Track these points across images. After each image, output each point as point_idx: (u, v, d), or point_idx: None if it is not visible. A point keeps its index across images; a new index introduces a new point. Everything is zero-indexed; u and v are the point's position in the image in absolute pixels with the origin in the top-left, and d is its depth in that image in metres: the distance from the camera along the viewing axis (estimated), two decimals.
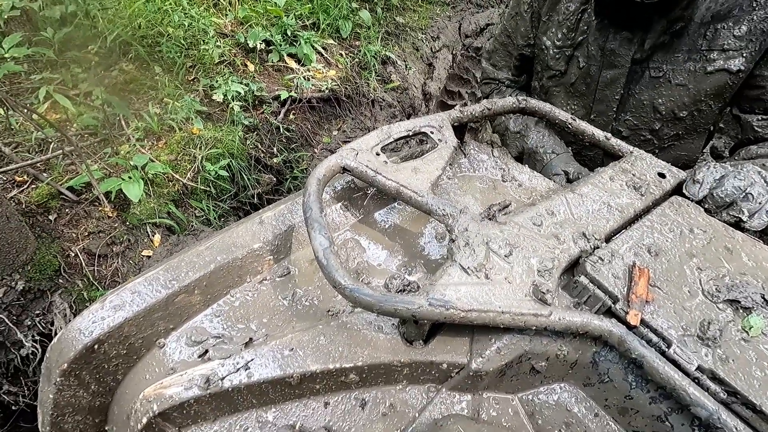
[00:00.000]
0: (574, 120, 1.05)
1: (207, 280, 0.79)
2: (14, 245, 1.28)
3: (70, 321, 1.40)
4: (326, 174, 0.82)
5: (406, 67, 3.98)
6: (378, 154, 0.87)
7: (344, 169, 0.85)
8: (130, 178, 1.57)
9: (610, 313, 0.73)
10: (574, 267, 0.79)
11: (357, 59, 3.41)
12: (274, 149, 2.40)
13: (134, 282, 0.76)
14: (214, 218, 1.83)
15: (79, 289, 1.42)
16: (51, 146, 1.59)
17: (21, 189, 1.54)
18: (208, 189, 1.84)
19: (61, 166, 1.60)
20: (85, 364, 0.72)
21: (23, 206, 1.45)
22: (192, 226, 1.72)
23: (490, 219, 0.79)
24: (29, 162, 1.53)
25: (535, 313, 0.68)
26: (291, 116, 2.65)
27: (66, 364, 0.71)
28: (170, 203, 1.71)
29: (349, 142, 3.04)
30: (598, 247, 0.79)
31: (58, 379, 0.72)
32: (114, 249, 1.52)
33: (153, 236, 1.62)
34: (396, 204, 0.96)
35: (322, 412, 0.75)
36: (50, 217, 1.50)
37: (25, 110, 1.25)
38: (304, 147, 2.66)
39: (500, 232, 0.77)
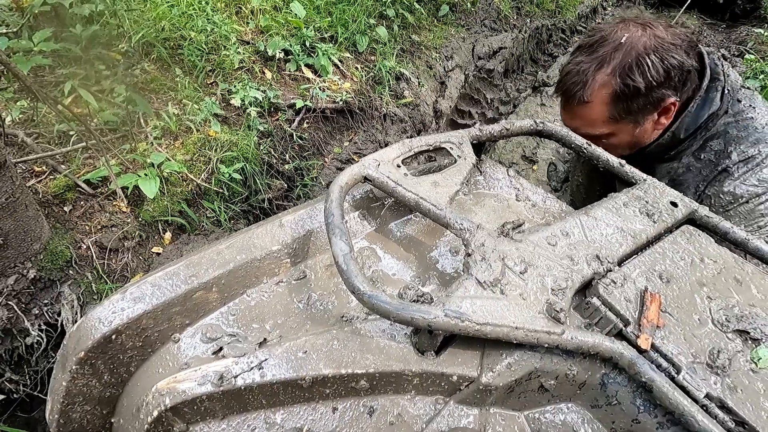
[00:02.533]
0: (590, 145, 1.07)
1: (225, 278, 0.81)
2: (30, 233, 1.29)
3: (77, 313, 1.41)
4: (348, 182, 0.84)
5: (419, 84, 4.05)
6: (399, 166, 0.89)
7: (366, 179, 0.87)
8: (146, 175, 1.59)
9: (620, 336, 0.74)
10: (586, 288, 0.80)
11: (372, 73, 3.47)
12: (287, 156, 2.44)
13: (155, 275, 0.78)
14: (225, 220, 1.84)
15: (88, 281, 1.44)
16: (72, 139, 1.62)
17: (39, 179, 1.56)
18: (220, 191, 1.87)
19: (80, 159, 1.63)
20: (102, 354, 0.73)
21: (40, 196, 1.47)
22: (203, 226, 1.74)
23: (505, 236, 0.81)
24: (49, 153, 1.56)
25: (548, 330, 0.69)
26: (305, 125, 2.69)
27: (83, 352, 0.72)
28: (183, 202, 1.73)
29: (360, 154, 3.08)
30: (610, 270, 0.80)
31: (73, 367, 0.73)
32: (125, 244, 1.53)
33: (164, 234, 1.64)
34: (412, 216, 0.98)
35: (330, 417, 0.76)
36: (65, 208, 1.52)
37: (52, 101, 1.28)
38: (315, 156, 2.70)
39: (516, 249, 0.79)
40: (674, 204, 0.96)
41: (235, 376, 0.71)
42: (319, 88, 2.88)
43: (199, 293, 0.79)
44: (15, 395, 1.26)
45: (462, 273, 0.76)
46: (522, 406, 0.79)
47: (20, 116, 1.71)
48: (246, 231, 0.87)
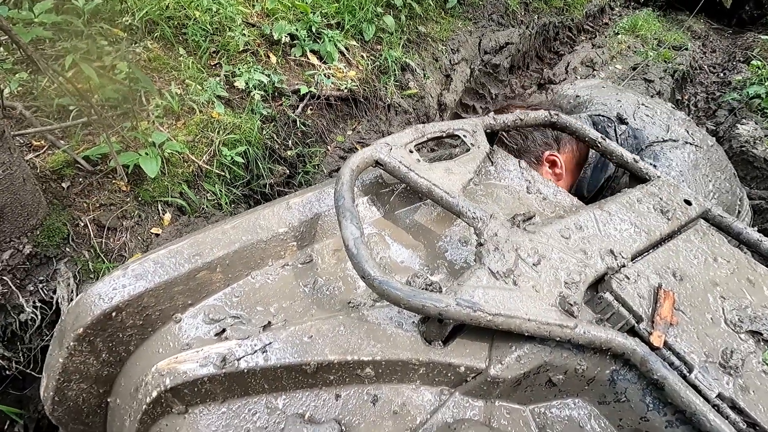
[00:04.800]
0: (604, 139, 1.05)
1: (230, 258, 0.79)
2: (26, 208, 1.26)
3: (73, 291, 1.39)
4: (360, 165, 0.81)
5: (425, 75, 4.01)
6: (411, 152, 0.87)
7: (377, 163, 0.85)
8: (147, 154, 1.56)
9: (632, 332, 0.73)
10: (598, 283, 0.78)
11: (377, 63, 3.43)
12: (289, 142, 2.40)
13: (158, 253, 0.76)
14: (226, 203, 1.82)
15: (85, 259, 1.41)
16: (71, 114, 1.59)
17: (37, 154, 1.53)
18: (222, 173, 1.84)
19: (80, 135, 1.59)
20: (101, 331, 0.71)
21: (38, 171, 1.44)
22: (203, 208, 1.71)
23: (519, 227, 0.79)
24: (49, 127, 1.53)
25: (561, 324, 0.67)
26: (308, 111, 2.66)
27: (82, 329, 0.70)
28: (183, 184, 1.70)
29: (363, 143, 3.05)
30: (624, 266, 0.78)
31: (71, 344, 0.71)
32: (124, 223, 1.50)
33: (163, 215, 1.61)
34: (422, 203, 0.96)
35: (333, 404, 0.74)
36: (63, 184, 1.49)
37: (54, 72, 1.24)
38: (318, 143, 2.66)
39: (529, 241, 0.77)
40: (688, 202, 0.95)
41: (238, 359, 0.69)
42: (324, 74, 2.84)
43: (202, 273, 0.76)
44: (7, 372, 1.24)
45: (474, 263, 0.74)
46: (528, 400, 0.78)
47: (19, 89, 1.67)
48: (252, 212, 0.85)
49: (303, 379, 0.73)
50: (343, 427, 0.71)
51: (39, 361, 1.34)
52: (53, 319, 1.35)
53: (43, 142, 1.56)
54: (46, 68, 1.21)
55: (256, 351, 0.70)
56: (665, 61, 5.04)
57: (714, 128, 3.82)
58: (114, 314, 0.71)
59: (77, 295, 1.38)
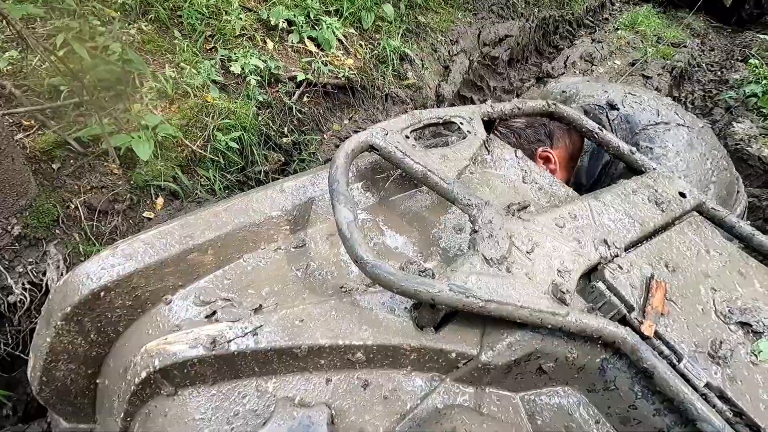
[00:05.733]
0: (601, 130, 1.05)
1: (222, 241, 0.78)
2: (15, 188, 1.24)
3: (63, 273, 1.37)
4: (355, 149, 0.81)
5: (423, 66, 3.98)
6: (407, 137, 0.86)
7: (372, 147, 0.84)
8: (139, 137, 1.54)
9: (624, 321, 0.73)
10: (591, 272, 0.79)
11: (376, 52, 3.39)
12: (285, 129, 2.38)
13: (148, 233, 0.75)
14: (220, 189, 1.80)
15: (75, 242, 1.39)
16: (63, 94, 1.56)
17: (27, 134, 1.50)
18: (216, 159, 1.82)
19: (71, 116, 1.57)
20: (89, 311, 0.70)
21: (27, 151, 1.41)
22: (197, 194, 1.70)
23: (513, 215, 0.79)
24: (39, 107, 1.50)
25: (553, 311, 0.67)
26: (305, 99, 2.63)
27: (69, 308, 0.69)
28: (177, 168, 1.68)
29: (359, 131, 3.03)
30: (617, 256, 0.79)
31: (58, 323, 0.70)
32: (116, 206, 1.49)
33: (156, 199, 1.59)
34: (417, 191, 0.95)
35: (323, 388, 0.74)
36: (54, 165, 1.47)
37: (45, 51, 1.22)
38: (314, 131, 2.64)
39: (524, 229, 0.77)
40: (683, 195, 0.95)
41: (229, 341, 0.69)
42: (322, 62, 2.80)
43: (193, 255, 0.76)
44: None
45: (468, 249, 0.73)
46: (518, 387, 0.78)
47: (8, 67, 1.63)
48: (245, 195, 0.84)
49: (294, 363, 0.73)
50: (333, 411, 0.70)
51: (28, 343, 1.33)
52: (42, 301, 1.34)
53: (33, 122, 1.53)
54: (36, 46, 1.18)
55: (246, 334, 0.69)
56: (664, 58, 5.04)
57: (710, 126, 3.83)
58: (102, 294, 0.70)
59: None
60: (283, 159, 2.22)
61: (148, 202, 1.58)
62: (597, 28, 6.13)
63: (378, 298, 0.76)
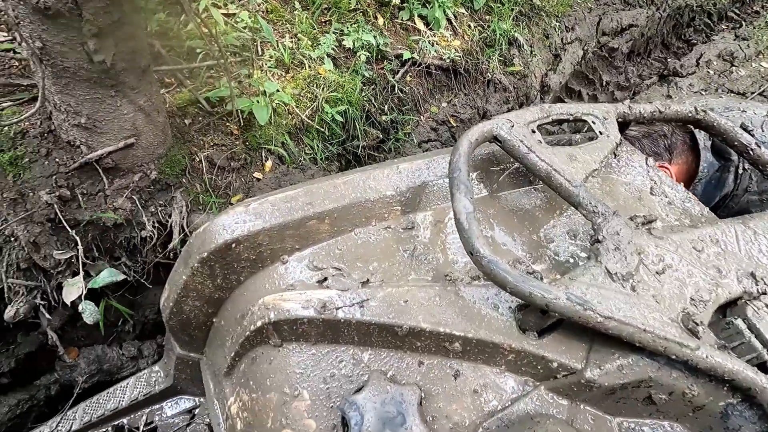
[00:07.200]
0: (758, 146, 0.91)
1: (338, 212, 0.81)
2: (157, 137, 1.41)
3: (184, 218, 1.54)
4: (478, 138, 0.79)
5: (531, 53, 3.75)
6: (533, 132, 0.82)
7: (495, 139, 0.81)
8: (258, 102, 1.65)
9: (763, 368, 0.65)
10: (728, 306, 0.70)
11: (484, 34, 3.26)
12: (385, 107, 2.40)
13: (276, 196, 0.80)
14: (321, 159, 1.88)
15: (196, 191, 1.55)
16: (198, 57, 1.72)
17: (167, 90, 1.68)
18: (321, 130, 1.90)
19: (204, 77, 1.72)
20: (220, 258, 0.78)
21: (167, 106, 1.58)
22: (300, 161, 1.79)
23: (645, 229, 0.72)
24: (180, 67, 1.67)
25: (681, 342, 0.62)
26: (408, 78, 2.62)
27: (206, 253, 0.77)
28: (286, 135, 1.79)
29: (456, 117, 2.96)
30: (765, 293, 0.69)
31: (195, 265, 0.79)
32: (232, 164, 1.62)
33: (265, 161, 1.71)
34: (531, 188, 0.92)
35: (415, 369, 0.76)
36: (186, 121, 1.63)
37: (195, 16, 1.34)
38: (412, 111, 2.63)
39: (655, 247, 0.70)
40: None
41: (337, 308, 0.73)
42: (429, 41, 2.76)
43: (312, 222, 0.80)
44: (127, 279, 1.42)
45: (589, 259, 0.69)
46: (618, 411, 0.73)
47: (157, 28, 1.82)
48: (363, 170, 0.87)
49: (391, 340, 0.75)
50: (422, 393, 0.72)
51: (151, 273, 1.53)
52: (166, 240, 1.52)
53: (173, 80, 1.71)
54: (189, 10, 1.31)
55: (354, 304, 0.73)
56: None
57: None
58: (234, 245, 0.77)
59: (188, 222, 1.54)
60: (381, 136, 2.26)
61: (258, 163, 1.70)
62: (744, 22, 5.29)
63: (482, 292, 0.75)
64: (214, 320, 0.93)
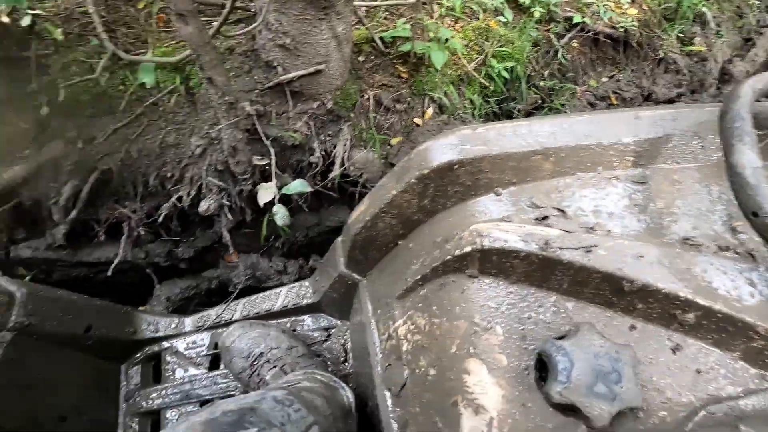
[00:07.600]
0: None
1: (566, 152, 0.76)
2: (339, 68, 1.46)
3: (347, 151, 1.61)
4: (763, 88, 0.67)
5: (717, 33, 3.20)
6: None
7: None
8: (432, 47, 1.62)
9: None
10: None
11: (668, 5, 2.85)
12: (545, 72, 2.24)
13: (505, 124, 0.77)
14: (479, 115, 1.83)
15: (361, 127, 1.61)
16: None
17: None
18: (486, 84, 1.83)
19: (381, 17, 1.75)
20: (438, 178, 0.78)
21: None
22: (459, 114, 1.76)
23: None
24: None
25: None
26: (573, 44, 2.40)
27: (427, 170, 0.77)
28: (450, 85, 1.75)
29: (618, 94, 2.66)
30: None
31: (412, 181, 0.80)
32: (396, 106, 1.64)
33: (427, 108, 1.70)
34: None
35: (625, 332, 0.70)
36: (360, 58, 1.68)
37: None
38: (570, 81, 2.42)
39: None
40: None
41: (561, 248, 0.68)
42: (603, 6, 2.48)
43: (537, 157, 0.76)
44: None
45: None
46: None
47: None
48: (595, 113, 0.80)
49: (608, 296, 0.69)
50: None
51: (308, 199, 1.63)
52: (325, 170, 1.61)
53: (354, 16, 1.76)
54: None
55: (581, 248, 0.68)
56: None
57: None
58: (456, 167, 0.76)
59: (349, 156, 1.60)
60: (539, 101, 2.12)
61: (419, 109, 1.70)
62: None
63: (732, 265, 0.66)
64: (399, 242, 0.95)
